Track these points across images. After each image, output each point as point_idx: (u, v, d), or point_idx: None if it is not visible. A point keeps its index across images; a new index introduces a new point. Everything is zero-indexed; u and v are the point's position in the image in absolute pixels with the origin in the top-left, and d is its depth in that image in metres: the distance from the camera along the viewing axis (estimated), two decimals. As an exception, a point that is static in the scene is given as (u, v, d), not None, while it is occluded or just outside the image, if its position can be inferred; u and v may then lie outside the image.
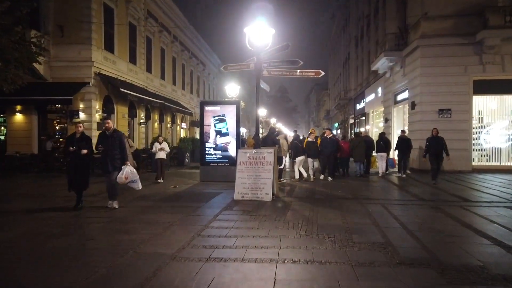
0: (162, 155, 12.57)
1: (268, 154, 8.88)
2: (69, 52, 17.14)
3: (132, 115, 22.24)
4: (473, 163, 15.99)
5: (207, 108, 12.49)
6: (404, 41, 18.18)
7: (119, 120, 20.00)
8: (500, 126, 16.10)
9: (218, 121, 12.38)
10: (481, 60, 15.49)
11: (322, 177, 12.73)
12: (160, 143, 12.67)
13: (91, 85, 17.18)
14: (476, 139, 16.24)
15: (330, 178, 12.48)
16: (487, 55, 15.36)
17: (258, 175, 8.78)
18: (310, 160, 12.83)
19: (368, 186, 11.53)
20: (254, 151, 9.00)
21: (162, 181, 12.31)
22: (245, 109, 50.66)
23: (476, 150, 16.24)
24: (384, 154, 14.70)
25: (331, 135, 12.90)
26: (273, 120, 53.75)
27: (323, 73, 8.76)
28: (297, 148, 12.83)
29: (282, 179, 12.31)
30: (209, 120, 12.45)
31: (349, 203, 8.35)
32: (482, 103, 16.30)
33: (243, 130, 57.03)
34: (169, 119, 28.90)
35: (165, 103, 23.91)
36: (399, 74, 19.07)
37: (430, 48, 15.96)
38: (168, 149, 12.86)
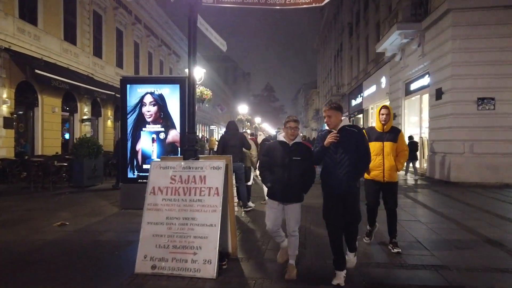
0: None
1: (211, 171, 4.14)
2: (-39, 18, 12.15)
3: (71, 109, 17.28)
4: (525, 173, 11.50)
5: (132, 88, 7.69)
6: (423, 10, 13.67)
7: (46, 116, 15.01)
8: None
9: (150, 111, 7.60)
10: (538, 28, 11.08)
11: (350, 257, 4.06)
12: None
13: (-8, 64, 12.21)
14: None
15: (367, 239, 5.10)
16: (547, 21, 10.95)
17: (191, 217, 4.04)
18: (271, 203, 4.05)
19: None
20: (183, 163, 4.25)
21: None
22: (215, 101, 45.14)
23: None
24: None
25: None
26: (257, 120, 49.15)
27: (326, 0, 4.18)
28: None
29: (249, 204, 7.56)
30: (135, 109, 7.67)
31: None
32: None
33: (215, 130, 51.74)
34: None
35: (117, 94, 18.94)
36: (415, 55, 14.57)
37: (465, 13, 11.47)
38: None
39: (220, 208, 4.00)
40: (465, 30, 11.48)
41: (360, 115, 26.51)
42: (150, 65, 27.99)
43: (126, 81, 7.70)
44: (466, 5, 11.37)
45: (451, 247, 4.94)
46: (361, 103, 25.64)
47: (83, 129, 17.93)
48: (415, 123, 15.65)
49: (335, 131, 3.75)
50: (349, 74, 31.34)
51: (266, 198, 4.53)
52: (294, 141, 3.93)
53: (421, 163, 14.51)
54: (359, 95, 26.11)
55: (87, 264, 4.30)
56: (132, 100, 7.66)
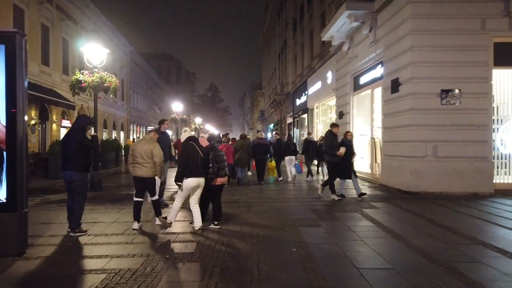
0: None
1: None
2: None
3: None
4: (494, 181, 9.71)
5: None
6: (376, -13, 11.63)
7: None
8: (528, 120, 10.07)
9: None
10: (508, 8, 9.34)
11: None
12: None
13: None
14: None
15: None
16: (519, 0, 9.24)
17: None
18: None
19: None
20: None
21: None
22: (154, 101, 40.66)
23: (494, 158, 9.99)
24: (293, 157, 13.11)
25: None
26: (198, 120, 45.98)
27: None
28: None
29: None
30: None
31: None
32: (499, 83, 10.10)
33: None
34: (33, 114, 19.78)
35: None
36: (365, 43, 12.51)
37: (427, -13, 9.49)
38: None
39: None
40: (427, 8, 9.47)
41: (305, 115, 24.48)
42: (65, 54, 23.87)
43: None
44: (428, -23, 9.39)
45: None
46: (305, 102, 23.61)
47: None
48: (366, 122, 13.61)
49: None
50: (294, 72, 29.42)
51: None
52: None
53: (374, 169, 12.47)
54: (304, 93, 24.09)
55: None
56: None
